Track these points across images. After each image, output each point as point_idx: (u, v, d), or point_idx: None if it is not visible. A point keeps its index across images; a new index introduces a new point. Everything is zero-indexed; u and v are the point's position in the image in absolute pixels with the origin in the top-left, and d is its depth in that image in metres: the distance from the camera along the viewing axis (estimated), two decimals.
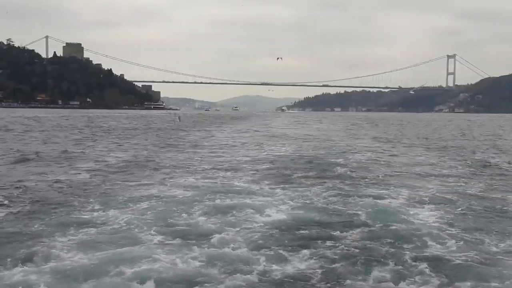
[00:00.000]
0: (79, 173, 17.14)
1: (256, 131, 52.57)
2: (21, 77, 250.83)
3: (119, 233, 9.55)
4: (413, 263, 8.05)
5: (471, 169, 19.59)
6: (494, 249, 8.91)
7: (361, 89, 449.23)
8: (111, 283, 7.14)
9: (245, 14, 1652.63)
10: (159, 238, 9.25)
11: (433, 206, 12.23)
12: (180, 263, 7.93)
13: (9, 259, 7.97)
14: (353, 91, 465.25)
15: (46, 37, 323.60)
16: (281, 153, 25.32)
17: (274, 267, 7.89)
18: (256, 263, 8.03)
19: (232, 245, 8.78)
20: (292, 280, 7.44)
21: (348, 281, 7.40)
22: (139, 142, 33.40)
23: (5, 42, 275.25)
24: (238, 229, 9.88)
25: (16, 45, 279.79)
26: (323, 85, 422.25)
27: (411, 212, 11.49)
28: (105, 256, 8.12)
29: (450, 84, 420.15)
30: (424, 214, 11.35)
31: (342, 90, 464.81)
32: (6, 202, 12.15)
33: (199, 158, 22.61)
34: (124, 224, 10.14)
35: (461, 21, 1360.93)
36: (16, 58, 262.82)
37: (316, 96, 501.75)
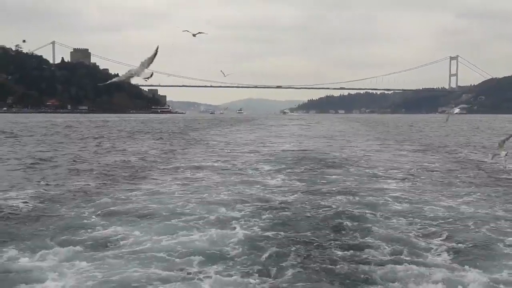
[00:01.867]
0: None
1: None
2: (29, 83, 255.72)
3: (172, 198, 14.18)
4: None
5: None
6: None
7: (365, 91, 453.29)
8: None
9: (248, 15, 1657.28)
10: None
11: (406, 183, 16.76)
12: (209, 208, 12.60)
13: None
14: (356, 93, 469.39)
15: (53, 42, 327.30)
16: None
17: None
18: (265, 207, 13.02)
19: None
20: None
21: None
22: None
23: (13, 48, 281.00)
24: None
25: (24, 51, 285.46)
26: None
27: (384, 187, 15.87)
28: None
29: (453, 85, 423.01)
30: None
31: (345, 92, 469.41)
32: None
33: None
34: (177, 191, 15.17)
35: (464, 20, 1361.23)
36: (24, 64, 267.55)
37: (320, 98, 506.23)
